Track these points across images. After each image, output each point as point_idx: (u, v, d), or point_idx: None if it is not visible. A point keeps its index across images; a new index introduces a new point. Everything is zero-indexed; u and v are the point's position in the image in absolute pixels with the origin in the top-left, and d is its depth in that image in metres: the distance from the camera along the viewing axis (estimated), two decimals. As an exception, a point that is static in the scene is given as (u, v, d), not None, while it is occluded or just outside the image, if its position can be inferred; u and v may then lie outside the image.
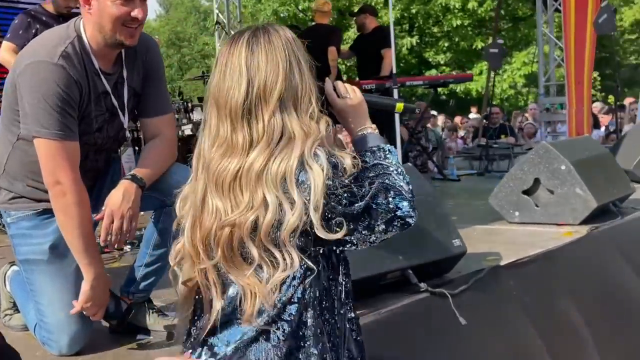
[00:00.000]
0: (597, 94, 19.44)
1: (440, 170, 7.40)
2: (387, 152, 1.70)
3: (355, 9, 18.30)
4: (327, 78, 1.80)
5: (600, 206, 4.18)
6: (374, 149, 1.70)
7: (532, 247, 3.67)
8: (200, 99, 9.41)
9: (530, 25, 20.82)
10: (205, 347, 1.60)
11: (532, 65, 19.09)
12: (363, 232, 1.58)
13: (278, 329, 1.55)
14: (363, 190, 1.58)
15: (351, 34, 18.31)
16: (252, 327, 1.55)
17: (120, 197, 2.23)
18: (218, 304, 1.58)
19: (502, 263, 3.37)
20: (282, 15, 19.76)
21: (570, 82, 7.51)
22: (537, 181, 4.33)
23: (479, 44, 19.74)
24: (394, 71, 6.01)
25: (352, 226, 1.57)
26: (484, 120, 9.50)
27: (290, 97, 1.59)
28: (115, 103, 2.35)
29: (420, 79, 8.12)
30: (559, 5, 7.60)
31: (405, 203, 1.61)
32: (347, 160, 1.57)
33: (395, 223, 1.60)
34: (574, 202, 4.19)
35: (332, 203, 1.54)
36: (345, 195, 1.55)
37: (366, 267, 2.76)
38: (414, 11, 20.12)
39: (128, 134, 2.44)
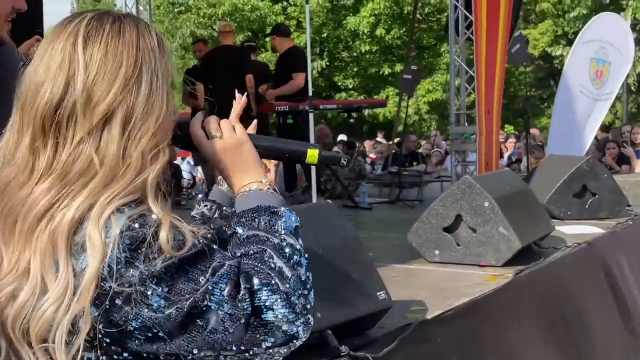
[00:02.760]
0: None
1: (351, 198, 6.98)
2: (273, 214, 1.09)
3: (267, 31, 18.11)
4: (199, 112, 1.26)
5: (523, 247, 3.84)
6: (251, 213, 1.10)
7: (457, 294, 3.25)
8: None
9: (434, 54, 21.12)
10: None
11: (436, 92, 19.32)
12: (202, 354, 0.97)
13: None
14: (196, 283, 0.97)
15: (266, 55, 17.92)
16: None
17: None
18: None
19: (428, 315, 2.92)
20: (198, 36, 19.08)
21: (481, 110, 7.30)
22: (458, 218, 3.94)
23: (386, 70, 19.78)
24: (310, 93, 5.54)
25: (174, 342, 0.97)
26: (396, 147, 9.23)
27: (122, 116, 1.02)
28: None
29: (334, 103, 7.76)
30: (471, 34, 7.39)
31: (276, 299, 0.99)
32: (162, 232, 0.98)
33: (260, 336, 0.98)
34: (497, 241, 3.82)
35: (132, 306, 0.95)
36: (159, 291, 0.95)
37: (277, 330, 2.23)
38: (324, 35, 19.94)
39: None
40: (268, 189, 1.16)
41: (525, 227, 4.02)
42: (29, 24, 7.45)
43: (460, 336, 2.95)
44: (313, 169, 5.64)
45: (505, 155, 10.74)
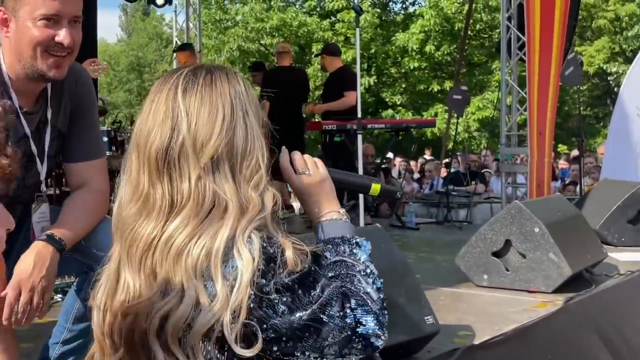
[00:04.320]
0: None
1: (398, 217, 7.03)
2: (354, 245, 1.33)
3: (314, 46, 18.28)
4: (283, 147, 1.38)
5: (574, 274, 3.85)
6: (337, 240, 1.32)
7: (506, 320, 3.30)
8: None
9: (485, 71, 21.00)
10: None
11: (486, 110, 19.19)
12: (307, 354, 1.18)
13: None
14: (310, 296, 1.17)
15: (311, 70, 18.13)
16: None
17: (30, 264, 1.76)
18: None
19: (475, 341, 2.97)
20: (245, 50, 19.40)
21: (533, 132, 7.28)
22: (508, 243, 3.98)
23: (435, 87, 19.73)
24: (359, 115, 5.63)
25: (290, 344, 1.17)
26: (445, 167, 9.24)
27: (228, 158, 1.20)
28: (34, 149, 1.88)
29: (382, 122, 7.83)
30: (524, 55, 7.39)
31: (369, 317, 1.23)
32: (288, 251, 1.18)
33: (355, 344, 1.21)
34: (547, 268, 3.84)
35: (263, 309, 1.15)
36: (284, 300, 1.16)
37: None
38: (372, 51, 20.02)
39: (44, 187, 1.95)
40: (346, 219, 1.37)
41: (577, 254, 4.02)
42: (85, 38, 7.76)
43: (508, 363, 2.98)
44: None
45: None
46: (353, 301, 1.22)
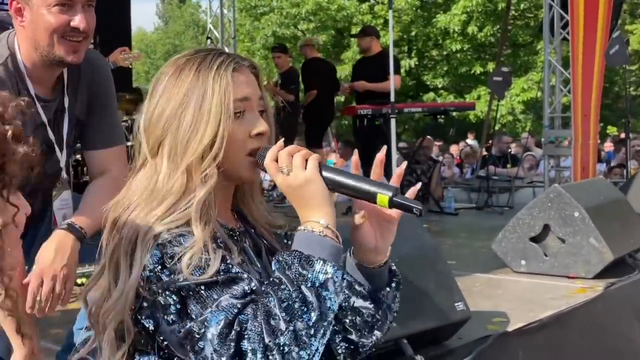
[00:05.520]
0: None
1: (437, 203, 6.97)
2: (306, 264, 1.10)
3: (354, 29, 18.16)
4: (281, 140, 1.24)
5: (616, 259, 3.76)
6: (288, 257, 1.12)
7: (542, 307, 3.24)
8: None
9: (530, 52, 20.59)
10: None
11: (531, 91, 18.83)
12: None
13: None
14: (202, 309, 1.10)
15: (350, 54, 18.04)
16: None
17: (52, 253, 1.79)
18: None
19: (509, 328, 2.93)
20: (280, 36, 19.38)
21: (577, 114, 7.11)
22: (546, 228, 3.90)
23: (478, 69, 19.43)
24: (392, 98, 5.59)
25: (174, 348, 1.16)
26: (485, 151, 9.11)
27: (168, 143, 1.22)
28: (52, 137, 1.91)
29: (419, 106, 7.72)
30: (567, 34, 7.21)
31: (257, 352, 1.05)
32: (185, 256, 1.12)
33: None
34: (588, 253, 3.76)
35: (152, 308, 1.16)
36: (171, 305, 1.12)
37: (353, 337, 2.32)
38: (413, 33, 19.81)
39: (64, 175, 1.98)
40: (321, 232, 1.14)
41: (619, 238, 3.93)
42: (118, 27, 7.88)
43: (543, 350, 2.94)
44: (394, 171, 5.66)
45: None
46: (248, 325, 1.07)
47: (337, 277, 1.12)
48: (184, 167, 1.19)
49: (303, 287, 1.09)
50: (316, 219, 1.15)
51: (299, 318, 1.06)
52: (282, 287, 1.09)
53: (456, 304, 2.64)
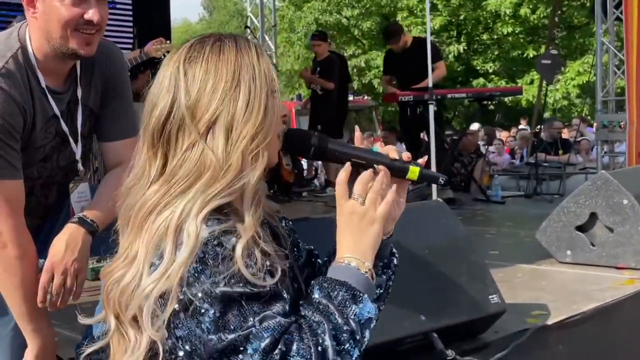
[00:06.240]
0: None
1: (482, 191, 6.83)
2: (354, 297, 1.12)
3: (399, 14, 17.96)
4: (348, 163, 1.24)
5: (668, 248, 3.60)
6: (335, 284, 1.13)
7: (587, 299, 3.12)
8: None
9: (586, 33, 20.02)
10: None
11: (587, 75, 18.31)
12: None
13: None
14: (242, 321, 1.06)
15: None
16: None
17: (63, 247, 1.80)
18: None
19: (550, 321, 2.83)
20: (323, 23, 19.29)
21: (632, 97, 6.86)
22: (593, 216, 3.77)
23: (531, 53, 18.98)
24: (430, 84, 5.49)
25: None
26: (534, 137, 8.89)
27: (224, 123, 1.16)
28: (66, 129, 1.91)
29: (463, 92, 7.54)
30: (620, 13, 6.96)
31: None
32: (237, 249, 1.09)
33: None
34: (638, 242, 3.61)
35: (187, 314, 1.09)
36: (207, 311, 1.07)
37: (380, 331, 2.26)
38: (462, 17, 19.48)
39: (80, 167, 1.98)
40: (366, 272, 1.17)
41: (672, 227, 3.77)
42: (157, 18, 7.95)
43: (586, 345, 2.83)
44: (433, 159, 5.58)
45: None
46: (294, 347, 1.05)
47: (376, 318, 1.16)
48: (243, 147, 1.16)
49: (351, 321, 1.11)
50: (363, 259, 1.18)
51: (346, 352, 1.08)
52: (331, 315, 1.10)
53: (490, 297, 2.55)
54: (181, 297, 1.08)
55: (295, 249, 1.40)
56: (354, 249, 1.17)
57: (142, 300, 1.11)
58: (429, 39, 5.62)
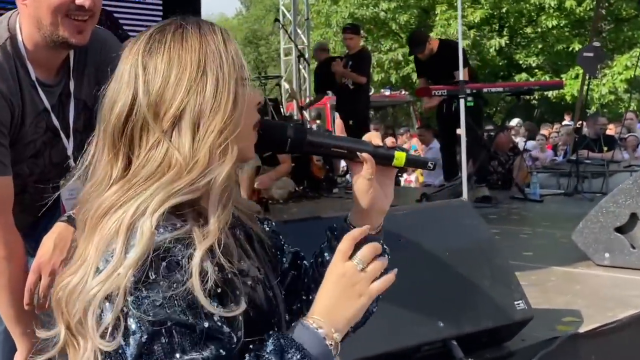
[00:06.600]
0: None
1: (520, 189, 6.63)
2: None
3: (438, 7, 17.71)
4: (367, 226, 1.13)
5: None
6: (291, 349, 1.01)
7: (623, 305, 2.95)
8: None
9: (634, 26, 19.48)
10: None
11: (636, 69, 17.79)
12: None
13: None
14: (168, 355, 0.96)
15: (434, 34, 17.68)
16: None
17: (50, 247, 1.72)
18: None
19: (582, 328, 2.68)
20: (358, 17, 19.11)
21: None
22: (634, 217, 3.59)
23: (577, 46, 18.53)
24: (461, 77, 5.32)
25: None
26: (575, 133, 8.62)
27: (190, 117, 1.06)
28: (57, 123, 1.84)
29: (500, 86, 7.33)
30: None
31: None
32: (194, 262, 0.98)
33: None
34: (682, 245, 3.42)
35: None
36: (136, 336, 0.97)
37: (394, 338, 2.16)
38: (504, 10, 19.11)
39: (72, 163, 1.90)
40: (331, 345, 1.04)
41: None
42: (186, 10, 7.90)
43: (620, 356, 2.67)
44: (463, 155, 5.41)
45: None
46: None
47: None
48: (211, 141, 1.05)
49: None
50: (334, 329, 1.05)
51: None
52: None
53: (516, 303, 2.41)
54: (124, 308, 0.98)
55: (278, 252, 1.29)
56: (328, 313, 1.05)
57: (86, 303, 1.01)
58: (461, 36, 5.43)
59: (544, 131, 12.25)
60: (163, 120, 1.06)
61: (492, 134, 7.25)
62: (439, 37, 17.43)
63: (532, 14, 19.55)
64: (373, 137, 1.20)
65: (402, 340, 2.18)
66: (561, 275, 3.57)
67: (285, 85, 10.55)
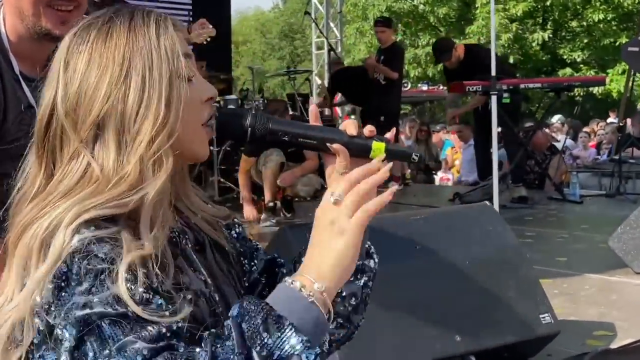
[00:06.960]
0: None
1: (558, 189, 6.42)
2: (273, 324, 0.84)
3: (478, 0, 17.38)
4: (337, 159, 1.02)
5: None
6: (255, 308, 0.86)
7: (662, 319, 2.78)
8: (289, 97, 8.91)
9: (685, 19, 18.90)
10: None
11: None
12: None
13: None
14: (101, 350, 0.85)
15: (475, 27, 17.43)
16: None
17: None
18: None
19: (614, 344, 2.52)
20: (396, 11, 18.87)
21: None
22: (676, 222, 3.39)
23: (624, 40, 18.02)
24: (493, 72, 5.14)
25: None
26: (618, 132, 8.34)
27: (113, 125, 0.95)
28: None
29: (538, 81, 7.09)
30: None
31: None
32: (122, 265, 0.86)
33: None
34: None
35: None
36: (65, 344, 0.86)
37: (409, 354, 2.04)
38: (548, 3, 18.70)
39: None
40: (311, 295, 0.88)
41: None
42: (214, 3, 7.87)
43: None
44: (497, 154, 5.22)
45: None
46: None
47: (305, 358, 0.85)
48: (141, 152, 0.94)
49: (254, 353, 0.83)
50: (313, 277, 0.89)
51: None
52: (226, 342, 0.84)
53: (541, 316, 2.27)
54: (41, 327, 0.88)
55: (245, 260, 1.17)
56: (306, 265, 0.91)
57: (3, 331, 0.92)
58: (494, 31, 5.25)
59: (588, 128, 11.92)
60: (82, 129, 0.96)
61: (530, 131, 7.04)
62: (480, 30, 17.20)
63: (578, 6, 19.10)
64: (348, 125, 1.05)
65: (417, 355, 2.06)
66: (596, 283, 3.40)
67: (317, 80, 10.44)
